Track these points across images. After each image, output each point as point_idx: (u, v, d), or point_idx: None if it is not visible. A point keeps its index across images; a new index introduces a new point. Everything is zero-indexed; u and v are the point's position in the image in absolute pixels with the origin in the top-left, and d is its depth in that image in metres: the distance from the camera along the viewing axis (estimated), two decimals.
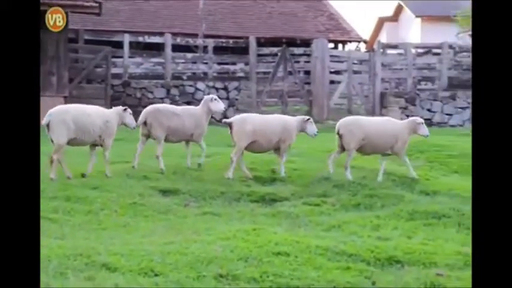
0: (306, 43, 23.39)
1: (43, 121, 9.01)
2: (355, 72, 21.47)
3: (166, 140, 10.39)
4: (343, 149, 10.19)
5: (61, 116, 9.24)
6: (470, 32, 36.51)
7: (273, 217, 7.89)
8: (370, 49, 28.34)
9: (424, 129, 10.26)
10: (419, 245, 6.45)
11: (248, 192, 9.06)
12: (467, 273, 5.64)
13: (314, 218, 7.85)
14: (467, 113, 20.72)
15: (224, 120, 10.66)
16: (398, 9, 42.39)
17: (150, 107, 10.54)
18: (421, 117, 11.21)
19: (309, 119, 10.45)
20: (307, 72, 21.00)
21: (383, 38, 39.51)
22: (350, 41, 31.21)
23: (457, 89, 21.43)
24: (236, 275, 5.35)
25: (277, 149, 10.33)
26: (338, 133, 10.14)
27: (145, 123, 10.22)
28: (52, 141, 9.22)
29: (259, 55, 20.75)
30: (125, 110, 9.92)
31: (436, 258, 6.06)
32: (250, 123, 10.10)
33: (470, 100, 20.92)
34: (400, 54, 22.98)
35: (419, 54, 23.35)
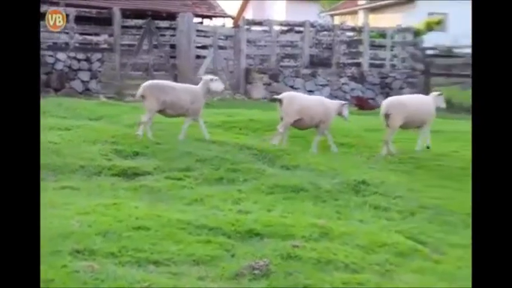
0: (172, 17, 23.14)
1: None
2: (221, 47, 21.54)
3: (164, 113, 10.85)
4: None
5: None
6: (331, 12, 37.65)
7: (135, 191, 7.77)
8: (236, 25, 28.52)
9: None
10: (278, 218, 6.61)
11: (109, 166, 8.84)
12: (322, 244, 5.90)
13: (176, 192, 7.81)
14: (327, 90, 21.47)
15: (275, 96, 11.41)
16: None
17: (147, 82, 10.93)
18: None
19: (345, 104, 11.35)
20: (173, 46, 20.81)
21: (249, 15, 39.94)
22: (216, 17, 31.26)
23: (317, 66, 22.12)
24: (93, 250, 5.24)
25: (316, 127, 11.09)
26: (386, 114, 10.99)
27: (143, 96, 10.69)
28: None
29: (123, 27, 20.26)
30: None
31: (293, 231, 6.23)
32: (298, 102, 10.85)
33: (329, 78, 21.71)
34: (264, 31, 23.31)
35: (282, 32, 23.81)
